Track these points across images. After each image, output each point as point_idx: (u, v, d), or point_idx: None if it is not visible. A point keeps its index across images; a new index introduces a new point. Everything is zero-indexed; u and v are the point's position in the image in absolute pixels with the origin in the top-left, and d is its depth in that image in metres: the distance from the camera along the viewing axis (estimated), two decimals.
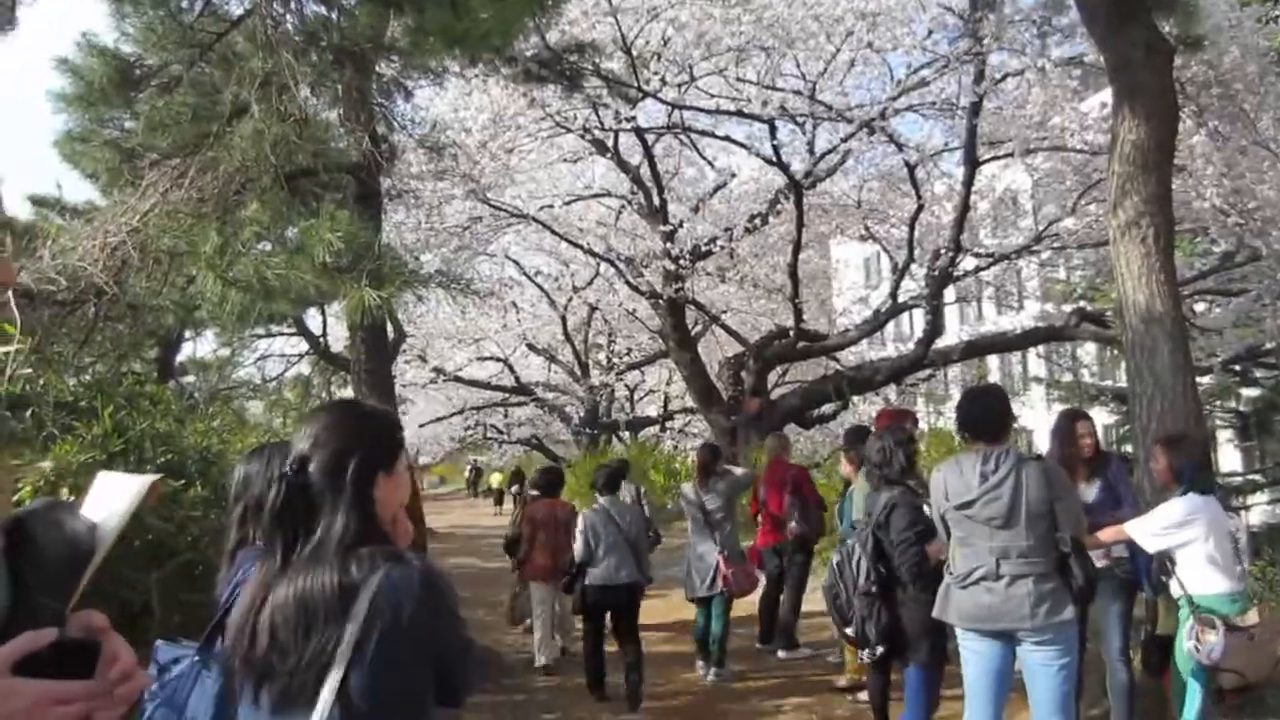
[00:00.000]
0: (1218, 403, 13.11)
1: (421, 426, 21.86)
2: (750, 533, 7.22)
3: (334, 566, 1.40)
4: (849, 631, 4.03)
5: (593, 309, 17.12)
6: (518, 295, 17.55)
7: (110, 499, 1.19)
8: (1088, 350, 18.02)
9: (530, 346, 19.40)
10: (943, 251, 10.82)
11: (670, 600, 7.59)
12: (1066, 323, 11.25)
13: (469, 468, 32.99)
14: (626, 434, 20.38)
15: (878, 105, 9.94)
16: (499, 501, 23.24)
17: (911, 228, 11.07)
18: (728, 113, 10.31)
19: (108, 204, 5.45)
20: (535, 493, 7.05)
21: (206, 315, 5.24)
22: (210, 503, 3.93)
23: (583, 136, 10.97)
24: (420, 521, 6.14)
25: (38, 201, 8.25)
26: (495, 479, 25.87)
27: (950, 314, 14.14)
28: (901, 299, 11.71)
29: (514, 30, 4.96)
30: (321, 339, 13.97)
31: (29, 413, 3.74)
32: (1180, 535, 3.53)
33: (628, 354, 18.97)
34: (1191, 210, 9.35)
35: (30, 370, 4.01)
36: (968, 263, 11.97)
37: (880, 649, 3.94)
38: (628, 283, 12.72)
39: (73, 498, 2.97)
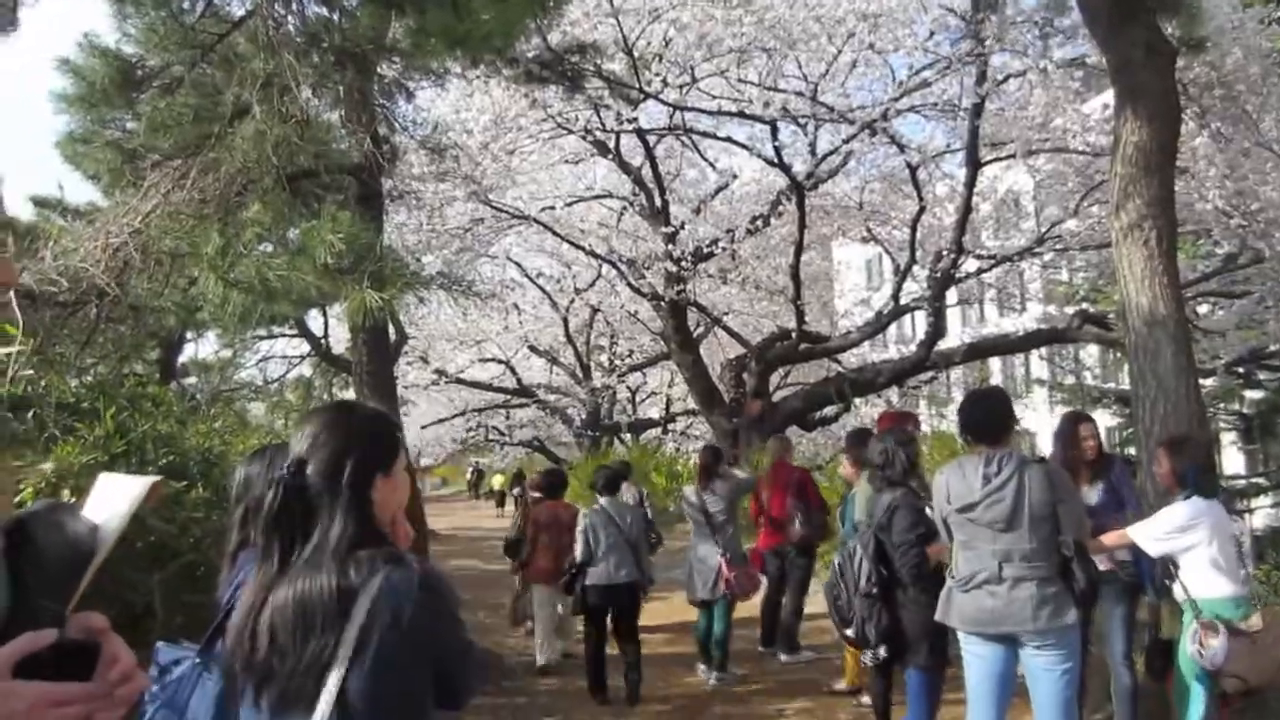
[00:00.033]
0: (1221, 405, 13.07)
1: (423, 428, 21.87)
2: (751, 535, 7.21)
3: (332, 570, 1.40)
4: (849, 633, 4.02)
5: (594, 311, 17.12)
6: (519, 297, 17.54)
7: (111, 500, 1.19)
8: (1090, 352, 17.99)
9: (532, 348, 19.40)
10: (945, 253, 10.81)
11: (672, 603, 7.58)
12: (1069, 325, 11.23)
13: (471, 470, 33.00)
14: (628, 436, 20.36)
15: (879, 106, 9.94)
16: (500, 503, 23.22)
17: (913, 229, 11.06)
18: (729, 114, 10.30)
19: (109, 205, 5.45)
20: (537, 494, 7.05)
21: (208, 316, 5.24)
22: (212, 504, 3.93)
23: (584, 138, 10.97)
24: (421, 523, 6.14)
25: (40, 202, 8.26)
26: (497, 481, 25.87)
27: (952, 316, 14.11)
28: (903, 301, 11.70)
29: (515, 31, 4.96)
30: (323, 340, 13.97)
31: (31, 414, 3.74)
32: (1183, 539, 3.51)
33: (629, 356, 18.97)
34: (1194, 212, 9.33)
35: (32, 371, 4.01)
36: (970, 264, 11.96)
37: (882, 652, 3.93)
38: (629, 284, 12.71)
39: (74, 499, 2.97)
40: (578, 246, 13.16)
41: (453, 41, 4.60)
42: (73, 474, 3.42)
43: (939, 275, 10.96)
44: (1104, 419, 13.44)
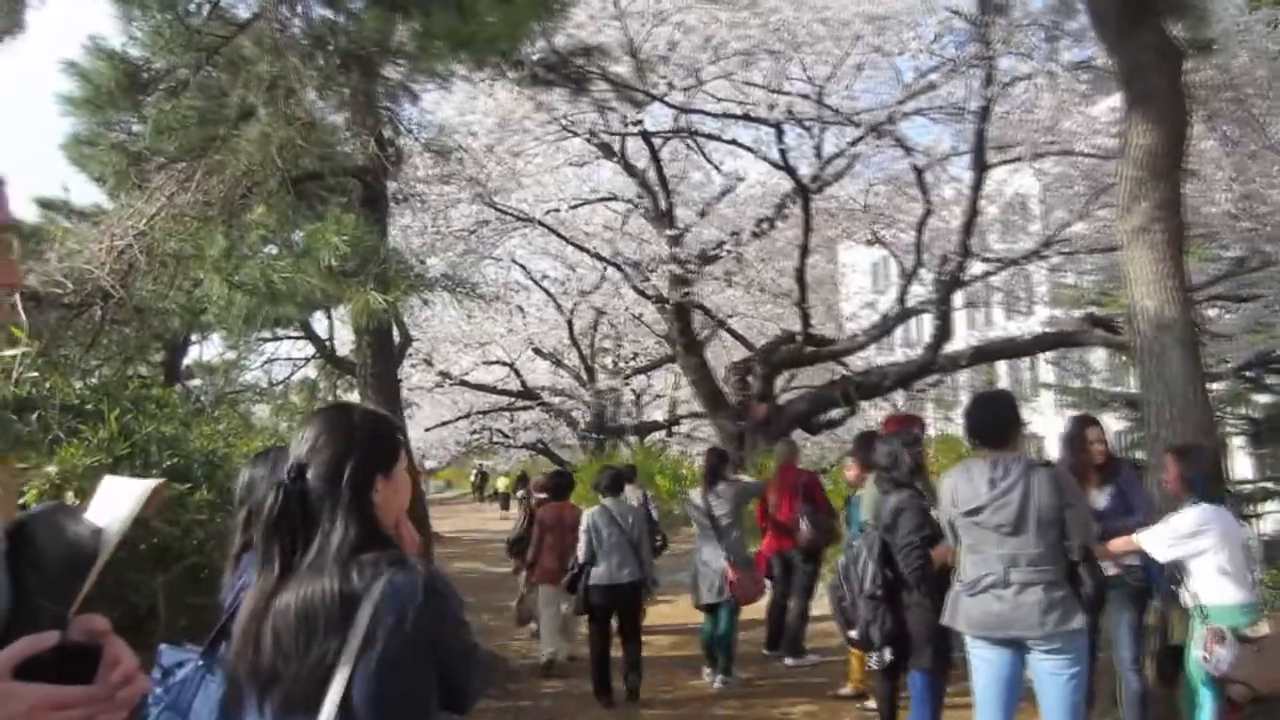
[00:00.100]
0: (1229, 409, 12.98)
1: (427, 430, 21.87)
2: (756, 539, 7.19)
3: (335, 574, 1.39)
4: (853, 635, 4.01)
5: (599, 313, 17.11)
6: (524, 299, 17.55)
7: (114, 503, 1.18)
8: (1098, 356, 17.90)
9: (536, 350, 19.39)
10: (951, 256, 10.78)
11: (677, 606, 7.56)
12: (1076, 328, 11.20)
13: (475, 472, 33.01)
14: (633, 439, 20.35)
15: (885, 109, 9.92)
16: (505, 506, 23.22)
17: (919, 232, 11.03)
18: (735, 116, 10.30)
19: (115, 207, 5.47)
20: (542, 495, 7.08)
21: (213, 318, 5.24)
22: (216, 506, 3.92)
23: (589, 140, 10.97)
24: (425, 526, 6.14)
25: (45, 204, 8.29)
26: (501, 483, 25.87)
27: (959, 319, 14.07)
28: (910, 304, 11.67)
29: (521, 34, 4.96)
30: (328, 342, 13.98)
31: (35, 416, 3.74)
32: (1192, 545, 3.49)
33: (634, 358, 18.96)
34: (1202, 215, 9.30)
35: (36, 373, 4.01)
36: (976, 268, 11.92)
37: (887, 655, 3.91)
38: (634, 287, 12.71)
39: (78, 501, 2.97)
40: (582, 249, 13.15)
41: (458, 44, 4.60)
42: (76, 476, 3.42)
43: (945, 278, 10.93)
44: (1112, 423, 13.36)
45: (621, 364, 18.73)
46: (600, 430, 18.83)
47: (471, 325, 17.67)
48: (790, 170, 10.80)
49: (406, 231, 10.26)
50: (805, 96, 10.08)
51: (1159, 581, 3.93)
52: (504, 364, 19.91)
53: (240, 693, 1.46)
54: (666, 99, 9.68)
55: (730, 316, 14.75)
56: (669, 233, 11.06)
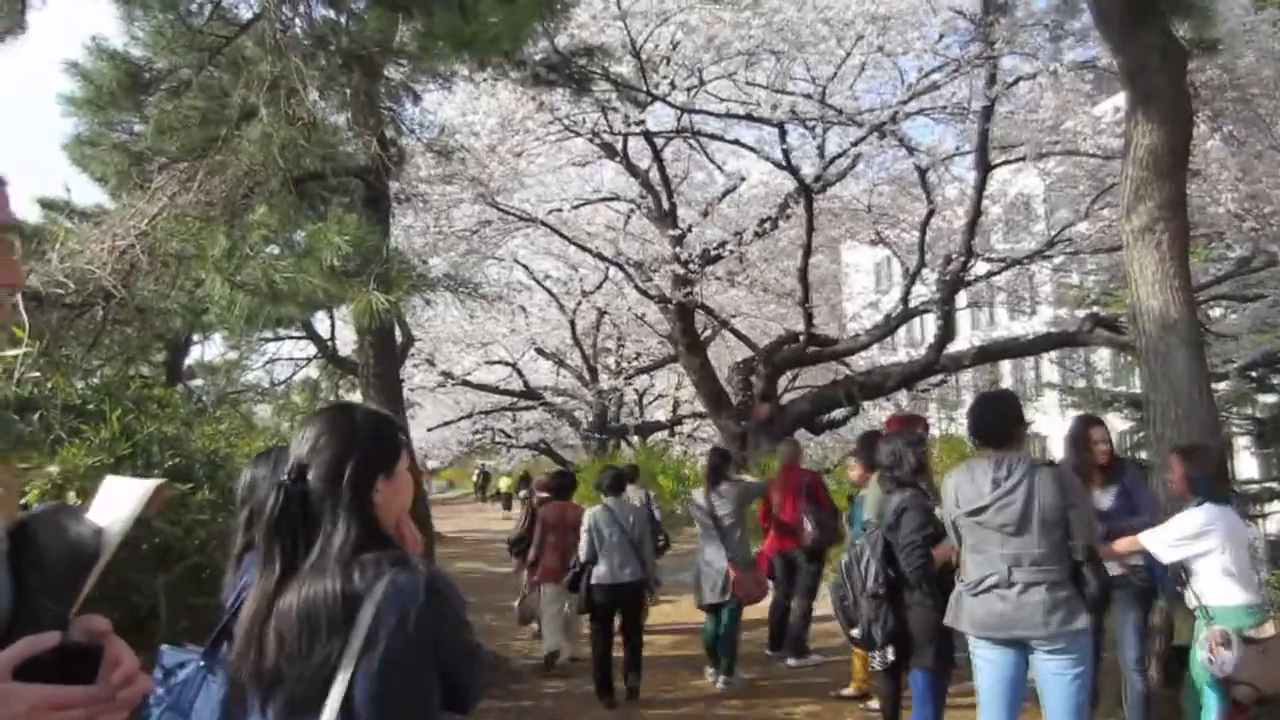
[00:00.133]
0: (1234, 409, 12.95)
1: (430, 430, 21.89)
2: (759, 539, 7.18)
3: (337, 575, 1.39)
4: (855, 633, 4.00)
5: (601, 313, 17.11)
6: (526, 299, 17.56)
7: (116, 503, 1.18)
8: (1101, 356, 17.88)
9: (539, 351, 19.40)
10: (954, 256, 10.76)
11: (680, 606, 7.56)
12: (1080, 328, 11.16)
13: (477, 472, 33.01)
14: (635, 438, 20.34)
15: (888, 109, 9.90)
16: (507, 506, 23.24)
17: (923, 232, 11.01)
18: (737, 116, 10.28)
19: (116, 207, 5.47)
20: (545, 495, 7.10)
21: (215, 319, 5.23)
22: (218, 506, 3.91)
23: (591, 140, 10.96)
24: (427, 526, 6.14)
25: (47, 204, 8.29)
26: (504, 483, 25.87)
27: (962, 319, 14.04)
28: (913, 304, 11.65)
29: (523, 34, 4.95)
30: (330, 343, 13.97)
31: (37, 416, 3.73)
32: (1196, 546, 3.48)
33: (636, 358, 18.95)
34: (1207, 215, 9.27)
35: (38, 373, 4.01)
36: (980, 267, 11.90)
37: (890, 654, 3.91)
38: (637, 287, 12.70)
39: (80, 502, 2.96)
40: (585, 249, 13.15)
41: (460, 44, 4.59)
42: (78, 476, 3.41)
43: (948, 278, 10.91)
44: (1116, 423, 13.34)
45: (624, 364, 18.72)
46: (603, 430, 18.83)
47: (474, 325, 17.68)
48: (793, 170, 10.79)
49: (409, 231, 10.27)
50: (808, 96, 10.06)
51: (1164, 582, 3.91)
52: (506, 364, 19.92)
53: (242, 694, 1.46)
54: (669, 99, 9.66)
55: (733, 316, 14.73)
56: (671, 233, 11.05)
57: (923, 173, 10.66)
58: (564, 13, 5.35)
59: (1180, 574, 3.56)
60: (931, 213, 10.83)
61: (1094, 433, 4.27)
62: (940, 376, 13.82)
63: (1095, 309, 12.55)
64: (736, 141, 11.33)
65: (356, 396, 9.13)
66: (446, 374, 18.61)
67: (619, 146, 11.05)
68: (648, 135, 10.61)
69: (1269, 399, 13.27)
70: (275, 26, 4.32)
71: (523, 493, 12.12)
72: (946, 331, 11.28)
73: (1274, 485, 13.67)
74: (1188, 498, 3.66)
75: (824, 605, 6.06)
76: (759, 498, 6.71)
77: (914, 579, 3.80)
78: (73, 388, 4.32)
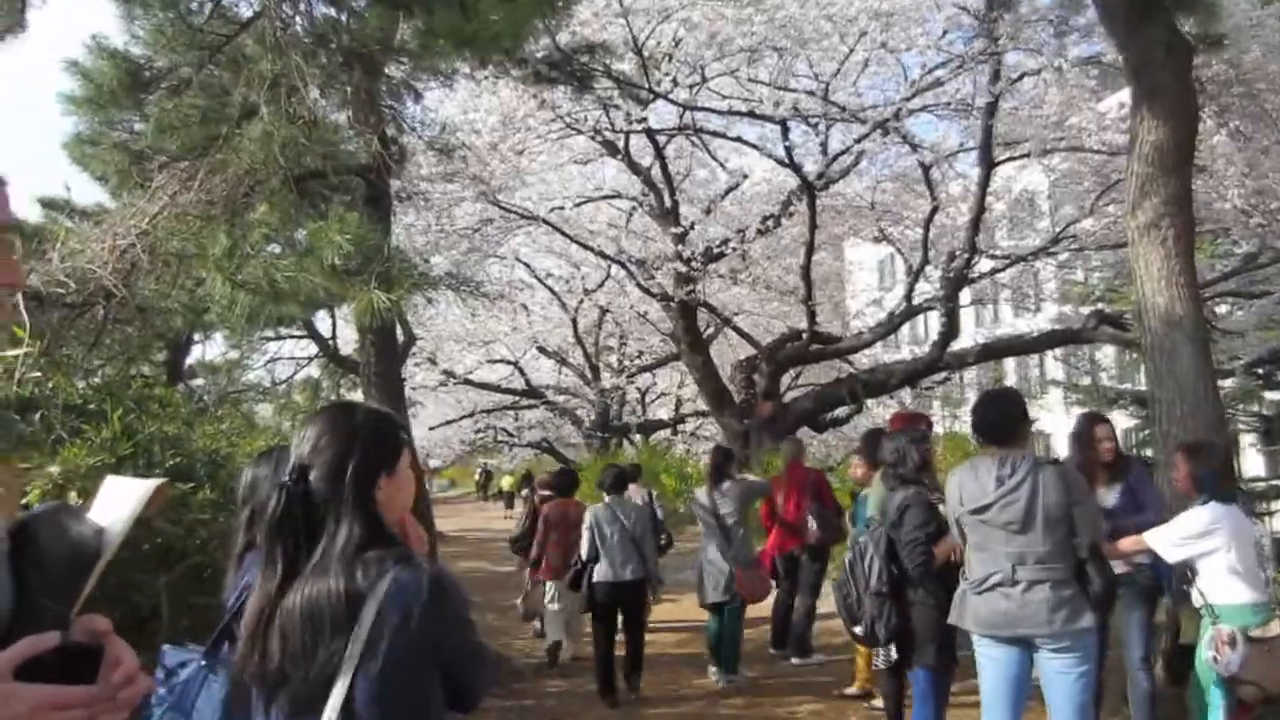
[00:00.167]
0: (1240, 406, 12.91)
1: (431, 429, 21.89)
2: (761, 538, 7.17)
3: (340, 574, 1.39)
4: (858, 631, 3.99)
5: (604, 311, 17.09)
6: (528, 298, 17.54)
7: (117, 503, 1.18)
8: (1106, 353, 17.83)
9: (541, 349, 19.38)
10: (958, 253, 10.73)
11: (683, 604, 7.54)
12: (1085, 325, 11.12)
13: (479, 471, 33.03)
14: (638, 437, 20.33)
15: (892, 106, 9.86)
16: (509, 505, 23.23)
17: (926, 229, 10.98)
18: (740, 114, 10.24)
19: (117, 206, 5.46)
20: (547, 492, 7.11)
21: (216, 318, 5.23)
22: (219, 506, 3.91)
23: (593, 138, 10.94)
24: (429, 525, 6.13)
25: (47, 203, 8.28)
26: (506, 482, 25.87)
27: (966, 316, 14.00)
28: (916, 301, 11.61)
29: (524, 32, 4.94)
30: (331, 342, 13.97)
31: (38, 416, 3.73)
32: (1201, 545, 3.46)
33: (639, 357, 18.92)
34: (1213, 211, 9.23)
35: (39, 373, 4.00)
36: (984, 264, 11.87)
37: (894, 653, 3.89)
38: (639, 285, 12.67)
39: (81, 501, 2.95)
40: (587, 247, 13.13)
41: (461, 42, 4.58)
42: (79, 476, 3.40)
43: (952, 275, 10.87)
44: (1121, 420, 13.30)
45: (626, 362, 18.69)
46: (605, 429, 18.81)
47: (476, 324, 17.68)
48: (796, 167, 10.75)
49: (410, 230, 10.26)
50: (811, 93, 10.03)
51: (1169, 580, 3.89)
52: (508, 362, 19.91)
53: (245, 694, 1.47)
54: (671, 96, 9.64)
55: (736, 314, 14.71)
56: (674, 230, 11.03)
57: (926, 169, 10.63)
58: (565, 10, 5.34)
59: (1186, 572, 3.54)
60: (935, 209, 10.80)
61: (1099, 430, 4.25)
62: (944, 374, 13.80)
63: (1100, 306, 12.50)
64: (739, 139, 11.31)
65: (358, 395, 9.13)
66: (448, 373, 18.61)
67: (621, 144, 11.03)
68: (650, 133, 10.59)
69: (1275, 396, 13.24)
70: (276, 24, 4.30)
71: (525, 491, 12.11)
72: (950, 329, 11.25)
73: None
74: (1193, 495, 3.63)
75: (827, 604, 6.05)
76: (762, 496, 6.70)
77: (916, 576, 3.79)
78: (74, 387, 4.31)
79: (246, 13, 4.72)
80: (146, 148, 4.73)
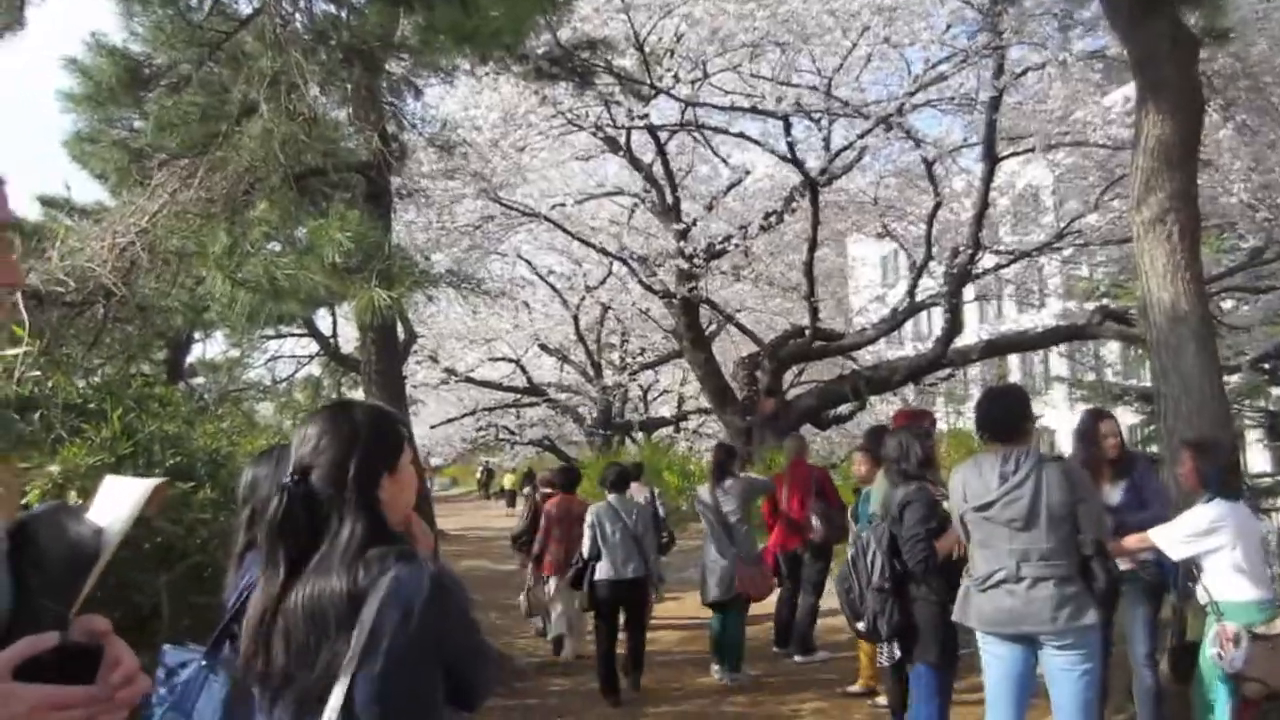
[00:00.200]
0: (1246, 402, 12.86)
1: (433, 428, 21.90)
2: (764, 535, 7.16)
3: (342, 574, 1.38)
4: (860, 626, 3.98)
5: (605, 308, 17.07)
6: (530, 295, 17.52)
7: (116, 503, 1.18)
8: (1111, 349, 17.77)
9: (542, 347, 19.38)
10: (962, 249, 10.69)
11: (685, 603, 7.53)
12: (1089, 321, 11.09)
13: (481, 469, 33.08)
14: (640, 435, 20.32)
15: (895, 101, 9.83)
16: (511, 503, 23.23)
17: (930, 225, 10.95)
18: (742, 109, 10.22)
19: (116, 204, 5.46)
20: (549, 489, 7.12)
21: (216, 316, 5.22)
22: (219, 505, 3.90)
23: (595, 134, 10.92)
24: (430, 524, 6.13)
25: (47, 202, 8.27)
26: (507, 480, 25.88)
27: (970, 312, 13.98)
28: (920, 297, 11.59)
29: (525, 28, 4.92)
30: (332, 340, 13.99)
31: (37, 415, 3.72)
32: (1206, 542, 3.44)
33: (641, 354, 18.90)
34: (1219, 205, 9.18)
35: (39, 372, 3.99)
36: (987, 260, 11.84)
37: (897, 650, 3.88)
38: (641, 282, 12.65)
39: (81, 501, 2.94)
40: (588, 244, 13.12)
41: (461, 38, 4.56)
42: (79, 475, 3.39)
43: (956, 271, 10.84)
44: (1126, 416, 13.23)
45: (628, 359, 18.67)
46: (607, 426, 18.81)
47: (477, 321, 17.67)
48: (798, 163, 10.72)
49: (411, 227, 10.26)
50: (813, 88, 10.00)
51: (1174, 576, 3.87)
52: (510, 360, 19.90)
53: (246, 694, 1.46)
54: (673, 92, 9.61)
55: (738, 311, 14.69)
56: (676, 227, 11.01)
57: (929, 165, 10.59)
58: (566, 6, 5.32)
59: (1191, 569, 3.52)
60: (938, 205, 10.77)
61: (1103, 427, 4.23)
62: (947, 371, 13.77)
63: (1105, 301, 12.47)
64: (741, 135, 11.28)
65: (359, 393, 9.12)
66: (449, 370, 18.61)
67: (622, 140, 11.01)
68: (651, 129, 10.57)
69: None
70: (275, 21, 4.29)
71: (526, 489, 12.12)
72: (954, 325, 11.22)
73: None
74: (1198, 492, 3.62)
75: (830, 601, 6.03)
76: (765, 494, 6.68)
77: (918, 572, 3.78)
78: (73, 386, 4.30)
79: (246, 9, 4.71)
80: (146, 145, 4.72)
